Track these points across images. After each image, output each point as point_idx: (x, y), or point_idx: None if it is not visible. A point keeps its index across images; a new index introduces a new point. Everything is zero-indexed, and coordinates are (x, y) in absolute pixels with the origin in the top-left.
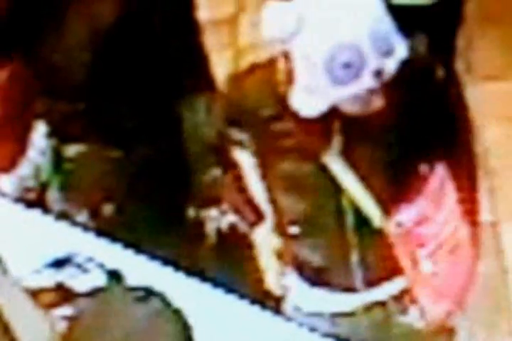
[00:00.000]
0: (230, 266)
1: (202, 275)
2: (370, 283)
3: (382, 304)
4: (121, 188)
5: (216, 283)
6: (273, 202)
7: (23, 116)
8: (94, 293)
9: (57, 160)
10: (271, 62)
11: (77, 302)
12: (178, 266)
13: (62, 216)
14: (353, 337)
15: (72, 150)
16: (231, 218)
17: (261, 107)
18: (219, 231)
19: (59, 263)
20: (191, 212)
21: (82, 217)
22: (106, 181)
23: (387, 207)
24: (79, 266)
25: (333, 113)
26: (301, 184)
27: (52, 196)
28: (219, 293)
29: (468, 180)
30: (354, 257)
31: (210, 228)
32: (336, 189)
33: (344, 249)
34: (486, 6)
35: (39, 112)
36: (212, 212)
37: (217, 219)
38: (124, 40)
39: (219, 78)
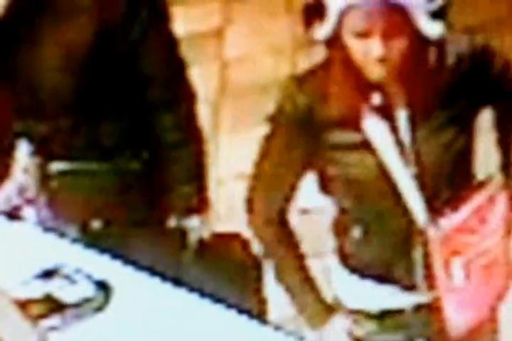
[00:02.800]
0: (213, 274)
1: (189, 285)
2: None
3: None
4: (107, 203)
5: (203, 294)
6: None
7: (5, 136)
8: (82, 303)
9: (42, 177)
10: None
11: (65, 313)
12: (165, 277)
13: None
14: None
15: (56, 167)
16: (213, 227)
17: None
18: (201, 240)
19: (47, 275)
20: (172, 222)
21: (71, 233)
22: (92, 197)
23: (433, 210)
24: (67, 277)
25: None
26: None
27: (40, 213)
28: (206, 304)
29: None
30: (417, 255)
31: (192, 237)
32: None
33: (408, 246)
34: None
35: (21, 131)
36: (194, 221)
37: (199, 228)
38: (102, 58)
39: (204, 90)
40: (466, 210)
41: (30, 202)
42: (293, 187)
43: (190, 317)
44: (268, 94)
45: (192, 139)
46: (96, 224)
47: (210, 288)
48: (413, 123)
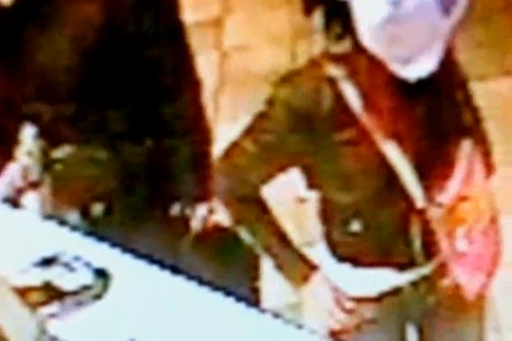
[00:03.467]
0: (213, 263)
1: (187, 273)
2: (430, 255)
3: (426, 278)
4: (109, 188)
5: (201, 282)
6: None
7: (10, 119)
8: (81, 291)
9: (46, 161)
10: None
11: (65, 300)
12: (164, 264)
13: (53, 216)
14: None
15: (60, 151)
16: (218, 216)
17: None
18: (202, 229)
19: (46, 262)
20: (176, 209)
21: (73, 217)
22: (95, 181)
23: (429, 186)
24: (66, 264)
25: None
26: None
27: (43, 197)
28: (205, 291)
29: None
30: (416, 234)
31: (194, 226)
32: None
33: (407, 228)
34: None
35: (27, 114)
36: (198, 210)
37: (203, 216)
38: (111, 43)
39: (203, 79)
40: (456, 178)
41: (33, 185)
42: (270, 176)
43: (189, 305)
44: (267, 84)
45: (197, 127)
46: (98, 210)
47: (209, 276)
48: None
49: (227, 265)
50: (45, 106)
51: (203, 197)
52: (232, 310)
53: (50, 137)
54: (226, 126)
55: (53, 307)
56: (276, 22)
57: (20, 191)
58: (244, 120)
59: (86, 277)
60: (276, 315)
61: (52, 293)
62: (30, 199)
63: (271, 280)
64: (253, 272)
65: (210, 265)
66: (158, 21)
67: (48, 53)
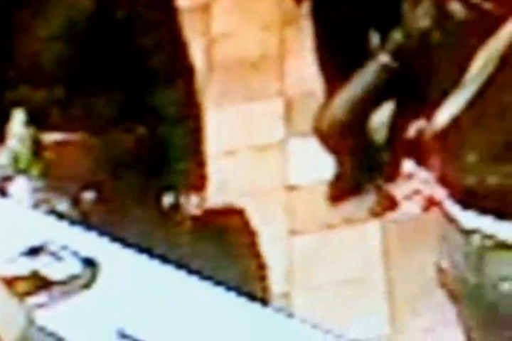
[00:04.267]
0: (209, 252)
1: (176, 262)
2: None
3: None
4: (100, 176)
5: (191, 271)
6: None
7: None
8: (69, 280)
9: (37, 148)
10: None
11: (53, 290)
12: (154, 254)
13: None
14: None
15: (51, 138)
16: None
17: None
18: (196, 217)
19: (33, 252)
20: (169, 198)
21: (63, 204)
22: (85, 169)
23: None
24: (53, 254)
25: None
26: None
27: (32, 184)
28: (194, 280)
29: None
30: None
31: (186, 214)
32: None
33: None
34: None
35: (17, 100)
36: (192, 198)
37: (197, 205)
38: (102, 28)
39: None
40: None
41: (22, 172)
42: None
43: (178, 295)
44: (256, 70)
45: (190, 114)
46: (88, 198)
47: (202, 265)
48: None
49: (226, 253)
50: (35, 92)
51: (197, 185)
52: (221, 300)
53: (40, 123)
54: (214, 113)
55: (41, 297)
56: (264, 8)
57: (7, 179)
58: (232, 107)
59: (74, 266)
60: (267, 304)
61: (39, 283)
62: (19, 187)
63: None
64: (255, 261)
65: (208, 253)
66: (151, 7)
67: (38, 39)
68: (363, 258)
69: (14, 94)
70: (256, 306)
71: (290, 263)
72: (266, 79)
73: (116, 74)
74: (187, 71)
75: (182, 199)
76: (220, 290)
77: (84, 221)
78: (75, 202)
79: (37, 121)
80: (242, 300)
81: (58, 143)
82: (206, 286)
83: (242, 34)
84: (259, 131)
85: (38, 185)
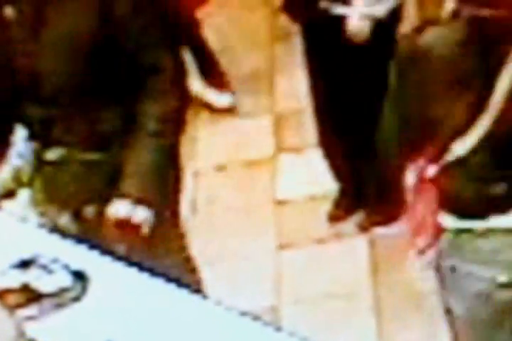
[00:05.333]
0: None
1: (165, 275)
2: None
3: None
4: (101, 191)
5: (180, 284)
6: None
7: (2, 120)
8: (59, 293)
9: (38, 163)
10: None
11: (43, 302)
12: (142, 267)
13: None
14: None
15: (52, 153)
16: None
17: None
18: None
19: (24, 264)
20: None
21: (64, 219)
22: (86, 183)
23: None
24: (44, 267)
25: None
26: None
27: (34, 199)
28: (183, 293)
29: None
30: None
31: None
32: None
33: None
34: None
35: (19, 115)
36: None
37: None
38: (104, 45)
39: None
40: None
41: (25, 186)
42: None
43: (167, 307)
44: (246, 86)
45: (166, 131)
46: (89, 211)
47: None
48: None
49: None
50: (37, 108)
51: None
52: (210, 312)
53: (42, 139)
54: (204, 129)
55: (31, 310)
56: (255, 25)
57: (10, 195)
58: (222, 122)
59: (64, 279)
60: (255, 318)
61: (30, 296)
62: (21, 201)
63: (248, 283)
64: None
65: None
66: (151, 28)
67: (41, 55)
68: (351, 273)
69: (17, 110)
70: (246, 320)
71: (278, 277)
72: (256, 95)
73: (117, 89)
74: (180, 90)
75: (130, 209)
76: (208, 303)
77: (84, 235)
78: (76, 216)
79: (39, 136)
80: (234, 315)
81: (60, 158)
82: (195, 299)
83: (233, 50)
84: (248, 146)
85: (39, 199)
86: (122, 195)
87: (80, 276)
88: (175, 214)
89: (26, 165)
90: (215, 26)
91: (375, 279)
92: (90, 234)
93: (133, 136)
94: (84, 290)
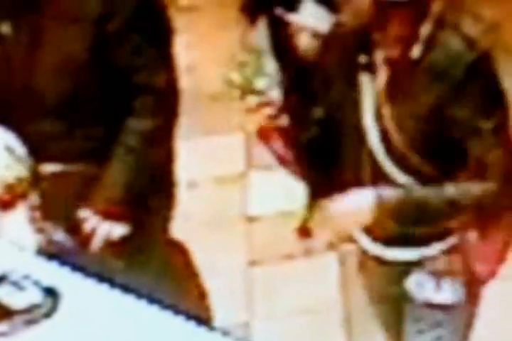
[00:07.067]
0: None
1: (137, 291)
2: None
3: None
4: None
5: (151, 299)
6: None
7: None
8: (30, 310)
9: (34, 178)
10: None
11: (14, 319)
12: (113, 283)
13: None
14: None
15: (49, 169)
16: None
17: None
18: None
19: None
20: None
21: (59, 234)
22: (81, 198)
23: None
24: (15, 283)
25: None
26: None
27: (29, 214)
28: (155, 310)
29: None
30: None
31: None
32: None
33: None
34: None
35: (14, 131)
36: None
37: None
38: (97, 66)
39: None
40: None
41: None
42: None
43: (138, 324)
44: (217, 104)
45: (146, 149)
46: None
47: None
48: None
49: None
50: (34, 125)
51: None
52: (182, 328)
53: (39, 155)
54: (181, 146)
55: (2, 326)
56: (226, 42)
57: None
58: (193, 139)
59: (35, 296)
60: (226, 333)
61: (1, 312)
62: (19, 217)
63: (220, 299)
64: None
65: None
66: (145, 48)
67: (38, 73)
68: (321, 289)
69: (12, 126)
70: (218, 335)
71: (250, 293)
72: (227, 113)
73: (109, 106)
74: (170, 110)
75: (94, 221)
76: (180, 319)
77: (81, 250)
78: (72, 231)
79: (36, 152)
80: (204, 330)
81: (56, 174)
82: (167, 316)
83: (205, 68)
84: (220, 163)
85: (35, 215)
86: (89, 206)
87: (51, 293)
88: (165, 230)
89: (22, 181)
90: (185, 44)
91: (345, 294)
92: (86, 248)
93: (114, 150)
94: (55, 306)
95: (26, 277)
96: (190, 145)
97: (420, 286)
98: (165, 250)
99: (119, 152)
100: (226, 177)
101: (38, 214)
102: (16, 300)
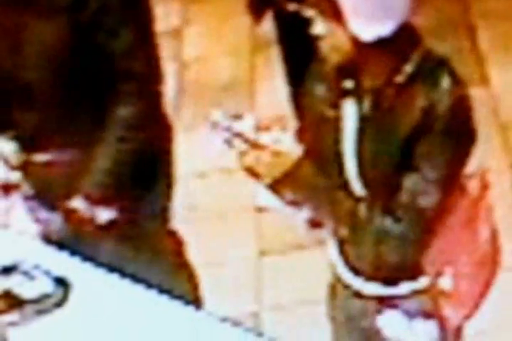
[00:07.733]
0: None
1: (146, 282)
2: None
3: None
4: None
5: (161, 290)
6: None
7: None
8: (41, 299)
9: (27, 168)
10: None
11: (25, 309)
12: (124, 273)
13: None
14: None
15: (40, 157)
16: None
17: None
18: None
19: (6, 271)
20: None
21: (56, 220)
22: (72, 186)
23: None
24: (26, 273)
25: None
26: None
27: (25, 201)
28: (164, 300)
29: None
30: None
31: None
32: None
33: None
34: None
35: (5, 120)
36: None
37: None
38: (79, 55)
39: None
40: None
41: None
42: None
43: (149, 313)
44: (226, 94)
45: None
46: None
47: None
48: None
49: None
50: (25, 115)
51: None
52: (192, 318)
53: (30, 144)
54: (184, 136)
55: (13, 316)
56: (234, 33)
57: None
58: (202, 130)
59: (46, 285)
60: (236, 323)
61: (12, 302)
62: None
63: (229, 289)
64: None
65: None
66: (123, 31)
67: (20, 68)
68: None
69: (6, 117)
70: (227, 326)
71: (259, 283)
72: (236, 103)
73: (93, 94)
74: (152, 95)
75: (85, 207)
76: (190, 309)
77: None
78: (68, 217)
79: (28, 142)
80: (215, 320)
81: (48, 163)
82: (177, 305)
83: (213, 58)
84: (228, 153)
85: (31, 205)
86: (78, 192)
87: (61, 282)
88: (164, 220)
89: (14, 169)
90: (194, 35)
91: None
92: (83, 235)
93: (100, 138)
94: (65, 296)
95: (37, 267)
96: (198, 135)
97: (391, 325)
98: (157, 238)
99: (105, 138)
100: (234, 167)
101: (33, 203)
102: (27, 289)
